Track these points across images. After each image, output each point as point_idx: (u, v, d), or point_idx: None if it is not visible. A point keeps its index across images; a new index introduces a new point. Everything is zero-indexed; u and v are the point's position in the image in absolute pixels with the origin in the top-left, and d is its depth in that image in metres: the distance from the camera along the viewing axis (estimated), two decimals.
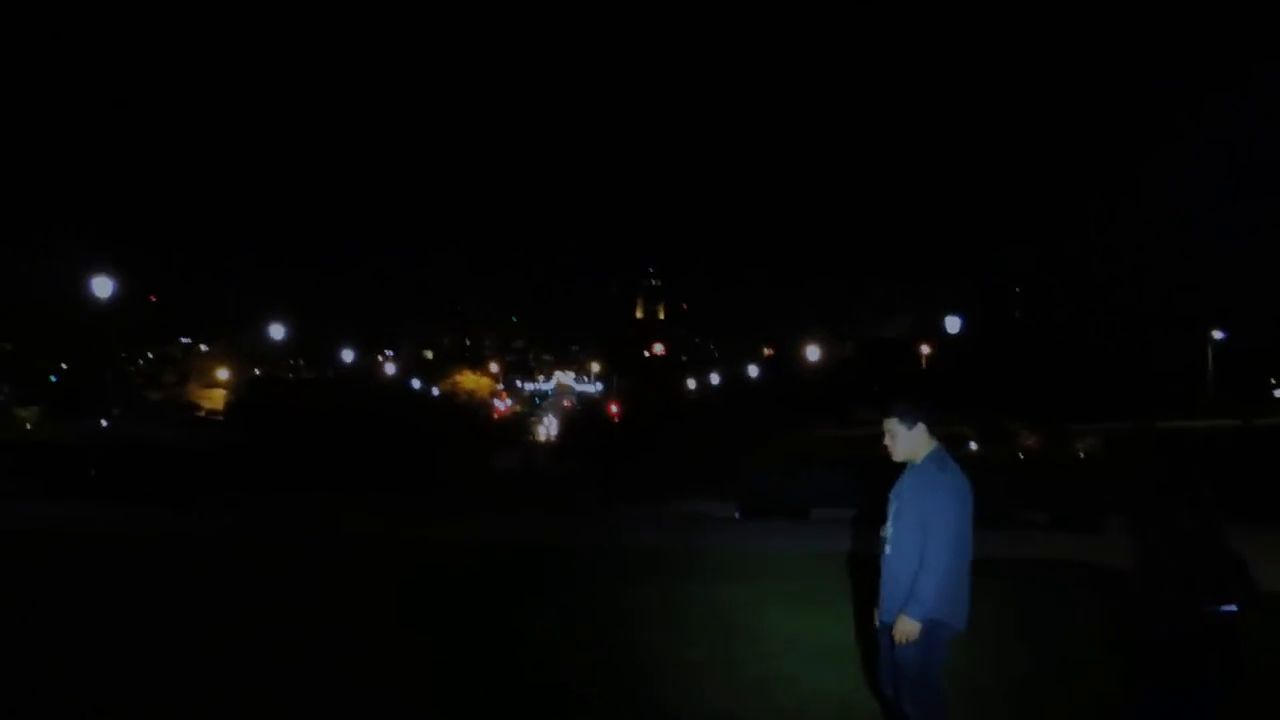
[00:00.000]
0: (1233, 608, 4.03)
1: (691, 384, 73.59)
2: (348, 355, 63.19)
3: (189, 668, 6.25)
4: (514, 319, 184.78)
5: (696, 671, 6.28)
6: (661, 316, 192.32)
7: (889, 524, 4.65)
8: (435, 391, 79.10)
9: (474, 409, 59.60)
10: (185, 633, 7.10)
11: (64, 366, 73.81)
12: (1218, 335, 43.75)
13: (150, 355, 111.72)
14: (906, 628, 4.39)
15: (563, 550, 11.58)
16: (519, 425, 69.43)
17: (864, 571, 5.01)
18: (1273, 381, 48.32)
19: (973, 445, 45.69)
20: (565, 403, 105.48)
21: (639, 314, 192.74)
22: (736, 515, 17.48)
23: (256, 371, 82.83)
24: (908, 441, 4.61)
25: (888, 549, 4.60)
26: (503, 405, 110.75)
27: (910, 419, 4.60)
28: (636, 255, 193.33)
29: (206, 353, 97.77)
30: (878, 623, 4.72)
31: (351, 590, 9.07)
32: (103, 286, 30.17)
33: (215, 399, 76.59)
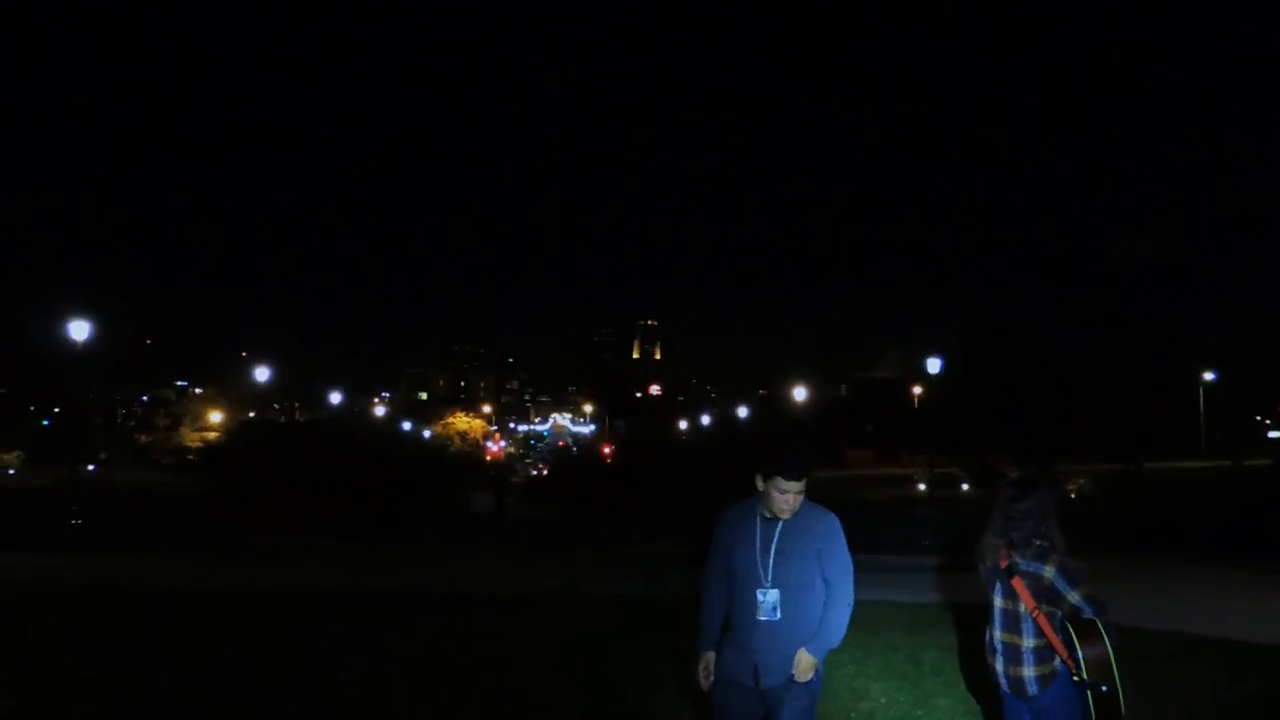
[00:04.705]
0: None
1: (684, 425, 73.05)
2: (336, 398, 63.18)
3: None
4: (510, 360, 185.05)
5: None
6: (658, 356, 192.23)
7: (768, 585, 4.30)
8: (427, 434, 78.55)
9: (452, 451, 59.23)
10: None
11: (57, 411, 73.66)
12: (1208, 377, 43.51)
13: (145, 399, 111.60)
14: (807, 661, 4.24)
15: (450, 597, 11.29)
16: (508, 466, 69.04)
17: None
18: (1266, 422, 48.02)
19: (965, 486, 45.25)
20: (560, 444, 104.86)
21: (635, 354, 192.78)
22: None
23: (251, 415, 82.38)
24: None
25: (776, 614, 4.28)
26: (495, 447, 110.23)
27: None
28: (635, 296, 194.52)
29: (200, 395, 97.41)
30: (762, 687, 4.31)
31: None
32: (79, 329, 29.88)
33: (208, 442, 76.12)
